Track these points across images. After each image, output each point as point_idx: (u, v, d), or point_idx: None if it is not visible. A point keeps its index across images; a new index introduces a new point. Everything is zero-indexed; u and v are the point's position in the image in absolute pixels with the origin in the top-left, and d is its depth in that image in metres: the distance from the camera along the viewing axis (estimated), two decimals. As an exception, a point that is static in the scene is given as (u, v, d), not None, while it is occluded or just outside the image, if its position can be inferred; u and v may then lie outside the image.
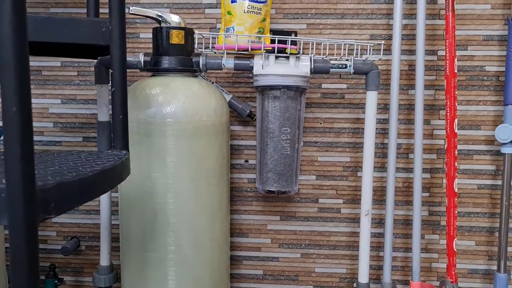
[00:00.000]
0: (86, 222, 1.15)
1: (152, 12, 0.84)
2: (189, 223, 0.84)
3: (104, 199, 1.01)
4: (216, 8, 1.08)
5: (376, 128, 0.93)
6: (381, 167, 1.09)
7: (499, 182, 1.07)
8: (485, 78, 1.06)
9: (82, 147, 1.12)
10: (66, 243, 1.11)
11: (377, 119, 0.93)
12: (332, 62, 0.90)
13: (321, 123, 1.10)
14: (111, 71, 0.62)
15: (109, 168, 0.51)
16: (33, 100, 0.40)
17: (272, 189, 0.91)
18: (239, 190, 1.12)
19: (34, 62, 1.10)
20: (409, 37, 1.06)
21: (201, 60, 0.88)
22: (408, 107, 1.08)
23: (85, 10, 1.09)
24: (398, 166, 1.08)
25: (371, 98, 0.91)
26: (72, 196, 0.44)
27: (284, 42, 0.87)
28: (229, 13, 0.88)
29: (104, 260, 1.02)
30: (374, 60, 0.92)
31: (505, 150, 0.99)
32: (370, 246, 0.97)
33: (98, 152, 0.62)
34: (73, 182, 0.44)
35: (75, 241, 1.13)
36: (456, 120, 0.96)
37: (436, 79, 1.07)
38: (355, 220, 1.11)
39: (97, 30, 0.62)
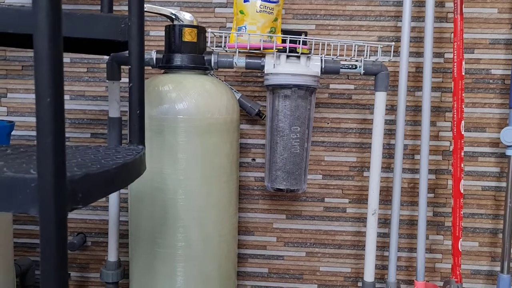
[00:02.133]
0: (92, 218, 1.16)
1: (166, 10, 0.85)
2: (199, 219, 0.85)
3: (113, 195, 1.02)
4: (226, 7, 1.09)
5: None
6: (387, 167, 1.10)
7: (504, 184, 1.09)
8: (491, 81, 1.07)
9: (90, 143, 1.13)
10: (73, 238, 1.12)
11: (384, 120, 0.94)
12: (342, 62, 0.91)
13: (328, 123, 1.11)
14: (129, 66, 0.62)
15: (130, 161, 0.52)
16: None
17: (281, 187, 0.92)
18: (246, 188, 1.13)
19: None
20: (417, 39, 1.07)
21: (213, 58, 0.89)
22: (414, 109, 1.09)
23: (95, 7, 1.10)
24: (404, 167, 1.09)
25: (380, 99, 0.92)
26: (98, 188, 0.44)
27: (295, 42, 0.88)
28: (241, 12, 0.89)
29: (112, 255, 1.03)
30: (383, 61, 0.93)
31: (510, 152, 1.00)
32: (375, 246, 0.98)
33: (115, 147, 0.63)
34: (99, 174, 0.44)
35: (81, 237, 1.14)
36: (462, 122, 0.98)
37: (442, 81, 1.08)
38: (361, 219, 1.12)
39: (116, 26, 0.63)
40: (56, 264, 0.38)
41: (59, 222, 0.38)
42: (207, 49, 0.91)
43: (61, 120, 0.38)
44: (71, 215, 1.16)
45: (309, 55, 0.89)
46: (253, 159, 1.12)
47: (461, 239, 0.99)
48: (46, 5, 0.36)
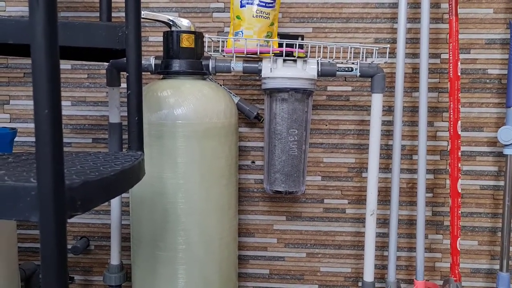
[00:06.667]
0: (95, 222, 1.17)
1: (163, 17, 0.87)
2: (199, 222, 0.86)
3: (114, 199, 1.03)
4: (223, 12, 1.10)
5: (381, 130, 0.95)
6: (385, 168, 1.11)
7: (502, 183, 1.09)
8: (487, 80, 1.08)
9: (92, 148, 1.14)
10: (76, 242, 1.13)
11: (381, 121, 0.95)
12: (338, 65, 0.92)
13: (326, 125, 1.12)
14: (126, 74, 0.64)
15: (128, 168, 0.53)
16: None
17: (280, 190, 0.93)
18: (246, 191, 1.14)
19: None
20: (413, 40, 1.08)
21: (211, 63, 0.91)
22: (412, 109, 1.10)
23: (94, 14, 1.11)
24: (402, 167, 1.10)
25: (377, 101, 0.93)
26: (96, 195, 0.46)
27: (292, 45, 0.89)
28: (238, 17, 0.90)
29: (114, 259, 1.04)
30: (379, 64, 0.94)
31: (507, 151, 1.01)
32: (375, 246, 0.99)
33: (114, 153, 0.64)
34: (97, 181, 0.46)
35: (84, 240, 1.15)
36: (459, 122, 0.98)
37: (439, 82, 1.09)
38: (360, 220, 1.13)
39: (113, 34, 0.65)
40: (56, 269, 0.40)
41: (59, 228, 0.39)
42: (205, 54, 0.92)
43: (59, 130, 0.39)
44: (74, 219, 1.17)
45: (306, 58, 0.90)
46: (253, 162, 1.14)
47: (459, 238, 0.99)
48: (43, 19, 0.37)
